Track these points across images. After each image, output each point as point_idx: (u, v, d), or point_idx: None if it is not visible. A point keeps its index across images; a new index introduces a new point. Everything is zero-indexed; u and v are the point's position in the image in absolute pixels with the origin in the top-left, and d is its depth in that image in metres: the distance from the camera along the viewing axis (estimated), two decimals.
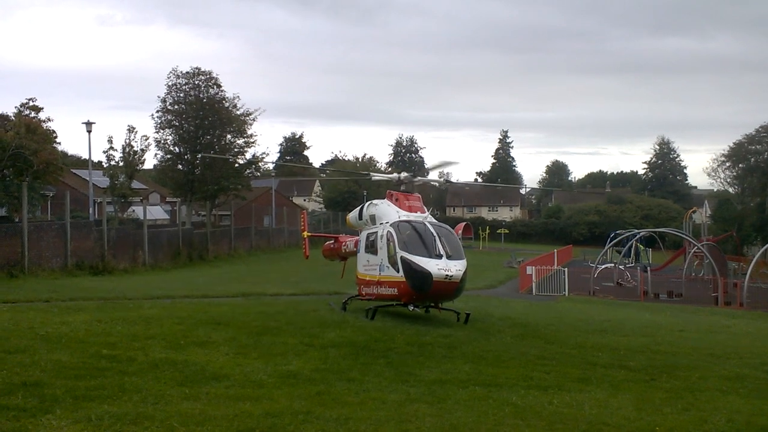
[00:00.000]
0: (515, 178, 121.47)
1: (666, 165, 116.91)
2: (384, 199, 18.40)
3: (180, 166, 48.89)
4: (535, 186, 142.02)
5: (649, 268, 40.47)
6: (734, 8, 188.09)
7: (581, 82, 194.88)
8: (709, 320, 22.97)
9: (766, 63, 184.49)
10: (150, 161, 52.33)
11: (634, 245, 47.46)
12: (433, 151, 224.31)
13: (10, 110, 46.17)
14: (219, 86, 48.46)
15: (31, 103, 44.34)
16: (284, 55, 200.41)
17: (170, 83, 47.79)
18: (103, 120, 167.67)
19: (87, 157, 41.53)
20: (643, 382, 10.94)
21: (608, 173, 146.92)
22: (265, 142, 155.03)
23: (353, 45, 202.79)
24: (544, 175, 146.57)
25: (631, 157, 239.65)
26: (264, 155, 53.66)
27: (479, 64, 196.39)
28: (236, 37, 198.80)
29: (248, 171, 52.40)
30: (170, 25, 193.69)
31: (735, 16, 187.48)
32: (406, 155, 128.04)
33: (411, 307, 16.42)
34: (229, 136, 49.02)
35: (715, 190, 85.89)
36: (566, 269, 33.34)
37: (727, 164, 77.08)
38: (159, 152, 48.74)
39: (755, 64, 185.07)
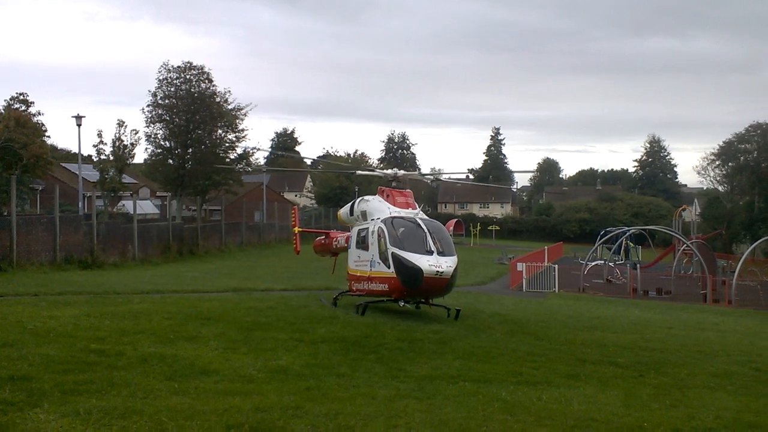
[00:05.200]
0: (507, 175, 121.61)
1: (656, 163, 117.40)
2: (375, 195, 18.40)
3: (170, 161, 48.65)
4: (526, 183, 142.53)
5: (638, 265, 40.67)
6: (713, 10, 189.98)
7: (568, 81, 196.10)
8: (698, 317, 23.10)
9: (748, 64, 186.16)
10: (140, 155, 52.11)
11: (624, 242, 47.67)
12: (425, 147, 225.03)
13: None
14: (210, 81, 48.27)
15: (20, 97, 44.09)
16: (271, 52, 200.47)
17: (161, 77, 47.55)
18: (92, 115, 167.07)
19: (77, 151, 41.28)
20: (632, 379, 11.00)
21: (599, 171, 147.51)
22: (255, 137, 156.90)
23: (340, 43, 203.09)
24: (535, 172, 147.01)
25: (620, 155, 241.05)
26: (255, 150, 53.56)
27: (467, 63, 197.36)
28: (223, 34, 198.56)
29: (239, 166, 52.23)
30: (156, 22, 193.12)
31: (715, 17, 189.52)
32: (398, 151, 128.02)
33: (401, 303, 16.43)
34: (220, 131, 48.85)
35: (705, 188, 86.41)
36: (556, 266, 33.46)
37: (717, 163, 77.53)
38: (149, 146, 48.55)
39: (737, 64, 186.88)
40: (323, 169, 76.24)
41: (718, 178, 79.34)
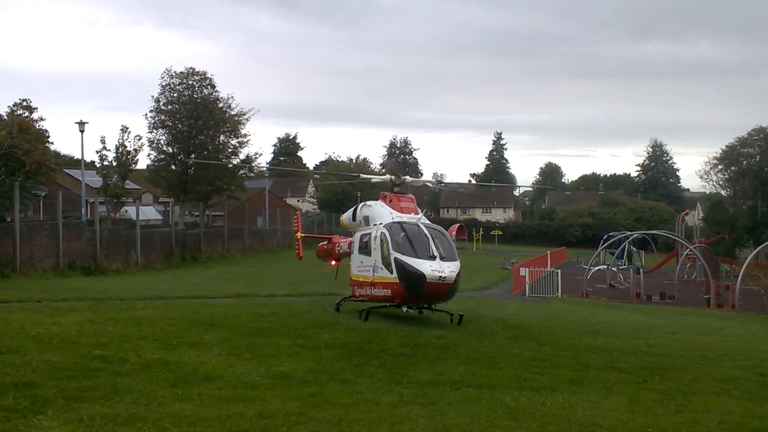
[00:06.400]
0: (509, 180, 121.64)
1: (659, 167, 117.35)
2: (377, 200, 18.40)
3: (173, 167, 48.71)
4: (529, 187, 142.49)
5: (641, 270, 40.61)
6: (714, 13, 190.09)
7: (569, 85, 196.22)
8: (701, 322, 23.06)
9: (749, 67, 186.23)
10: (143, 161, 52.21)
11: (626, 247, 47.62)
12: (427, 152, 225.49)
13: (2, 110, 45.97)
14: (213, 86, 48.36)
15: (23, 103, 44.17)
16: (272, 57, 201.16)
17: (164, 83, 47.65)
18: (95, 120, 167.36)
19: (80, 157, 41.38)
20: (636, 384, 10.97)
21: (601, 175, 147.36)
22: (257, 143, 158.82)
23: (341, 48, 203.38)
24: (538, 176, 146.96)
25: (621, 160, 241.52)
26: (257, 155, 53.67)
27: (469, 67, 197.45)
28: (223, 39, 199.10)
29: (242, 171, 52.30)
30: (158, 28, 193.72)
31: (714, 20, 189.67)
32: (401, 156, 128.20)
33: (404, 309, 16.41)
34: (222, 137, 48.92)
35: (708, 192, 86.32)
36: (559, 271, 33.42)
37: (720, 167, 77.46)
38: (152, 152, 48.60)
39: (738, 68, 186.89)
40: (326, 173, 76.35)
41: (721, 183, 79.29)
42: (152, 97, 47.71)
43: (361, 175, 26.62)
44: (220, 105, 48.28)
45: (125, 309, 15.71)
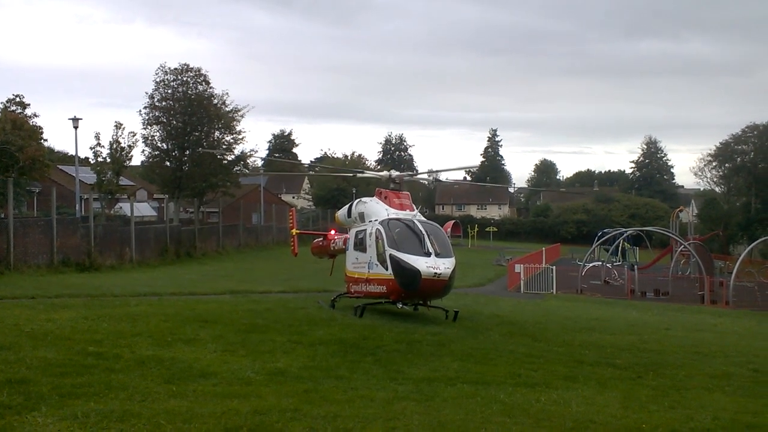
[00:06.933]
0: (504, 177, 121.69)
1: (653, 164, 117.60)
2: (373, 196, 18.40)
3: (168, 163, 48.58)
4: (524, 185, 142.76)
5: (636, 266, 40.71)
6: (706, 12, 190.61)
7: (563, 83, 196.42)
8: (696, 318, 23.14)
9: (742, 66, 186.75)
10: (137, 158, 52.03)
11: (621, 244, 47.72)
12: (422, 149, 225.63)
13: None
14: (207, 83, 48.22)
15: (17, 99, 44.07)
16: (266, 54, 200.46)
17: (158, 79, 47.48)
18: (89, 117, 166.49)
19: (74, 153, 41.23)
20: (630, 380, 11.01)
21: (596, 172, 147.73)
22: (252, 140, 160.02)
23: (336, 45, 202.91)
24: (533, 173, 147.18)
25: (616, 156, 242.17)
26: (252, 152, 53.53)
27: (463, 64, 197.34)
28: (216, 36, 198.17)
29: (237, 168, 52.18)
30: (150, 25, 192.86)
31: (708, 19, 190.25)
32: (396, 153, 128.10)
33: (399, 305, 16.44)
34: (217, 133, 48.80)
35: (702, 189, 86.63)
36: (554, 267, 33.48)
37: (714, 164, 77.72)
38: (146, 149, 48.46)
39: (731, 67, 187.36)
40: (321, 173, 76.29)
41: (715, 179, 79.64)
42: (146, 93, 47.58)
43: (357, 174, 26.57)
44: (215, 101, 48.13)
45: (119, 305, 15.69)
